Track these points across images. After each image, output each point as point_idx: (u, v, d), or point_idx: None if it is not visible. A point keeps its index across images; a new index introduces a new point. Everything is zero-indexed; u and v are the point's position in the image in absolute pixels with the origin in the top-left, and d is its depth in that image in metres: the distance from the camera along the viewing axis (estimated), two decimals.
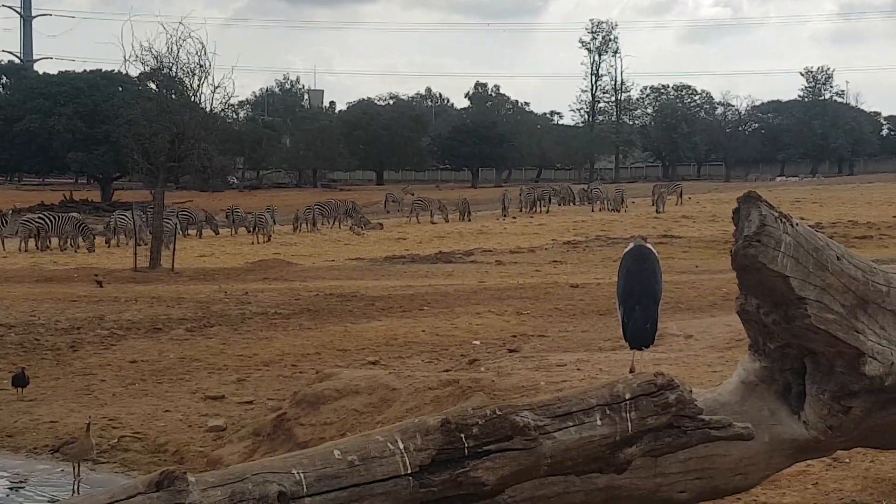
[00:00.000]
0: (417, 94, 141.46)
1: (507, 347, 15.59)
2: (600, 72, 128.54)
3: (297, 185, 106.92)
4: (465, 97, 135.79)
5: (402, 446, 4.85)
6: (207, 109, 36.56)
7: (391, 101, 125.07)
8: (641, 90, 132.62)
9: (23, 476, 11.97)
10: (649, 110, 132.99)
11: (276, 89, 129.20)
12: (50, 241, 43.58)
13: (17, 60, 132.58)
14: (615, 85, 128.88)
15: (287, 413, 11.41)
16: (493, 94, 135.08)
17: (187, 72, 35.11)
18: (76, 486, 11.17)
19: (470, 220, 56.03)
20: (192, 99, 35.68)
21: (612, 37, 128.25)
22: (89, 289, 26.29)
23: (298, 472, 4.73)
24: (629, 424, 5.03)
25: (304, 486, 4.72)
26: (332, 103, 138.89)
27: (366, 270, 32.07)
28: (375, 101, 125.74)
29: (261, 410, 12.94)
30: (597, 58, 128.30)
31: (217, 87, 35.62)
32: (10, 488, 11.69)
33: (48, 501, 10.29)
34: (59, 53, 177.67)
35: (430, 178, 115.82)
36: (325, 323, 19.45)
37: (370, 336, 17.58)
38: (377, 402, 11.12)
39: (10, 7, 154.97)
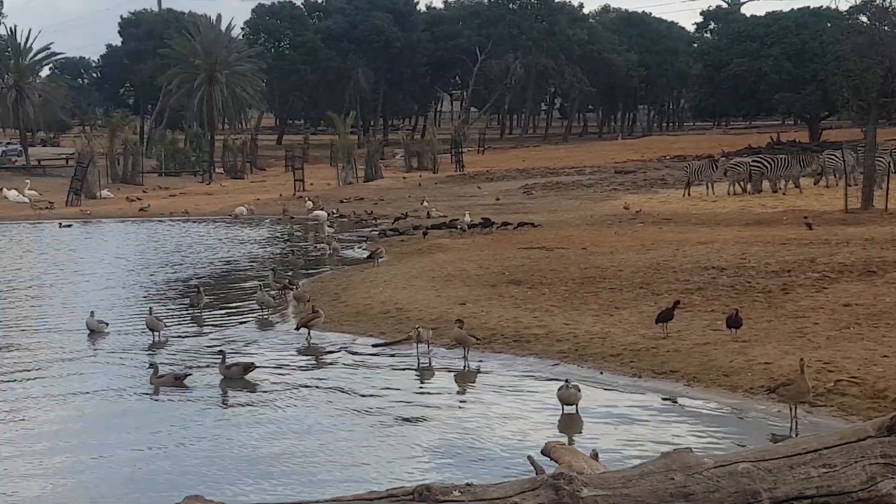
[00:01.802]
0: None
1: None
2: None
3: None
4: None
5: None
6: None
7: None
8: None
9: (740, 414, 12.42)
10: None
11: None
12: (762, 184, 44.13)
13: (724, 5, 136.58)
14: None
15: None
16: None
17: None
18: (793, 427, 11.35)
19: None
20: None
21: None
22: (799, 231, 26.42)
23: None
24: None
25: None
26: None
27: None
28: None
29: None
30: None
31: None
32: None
33: (768, 438, 10.59)
34: None
35: None
36: None
37: None
38: None
39: None
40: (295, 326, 18.57)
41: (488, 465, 10.89)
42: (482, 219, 34.95)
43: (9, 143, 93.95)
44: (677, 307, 16.17)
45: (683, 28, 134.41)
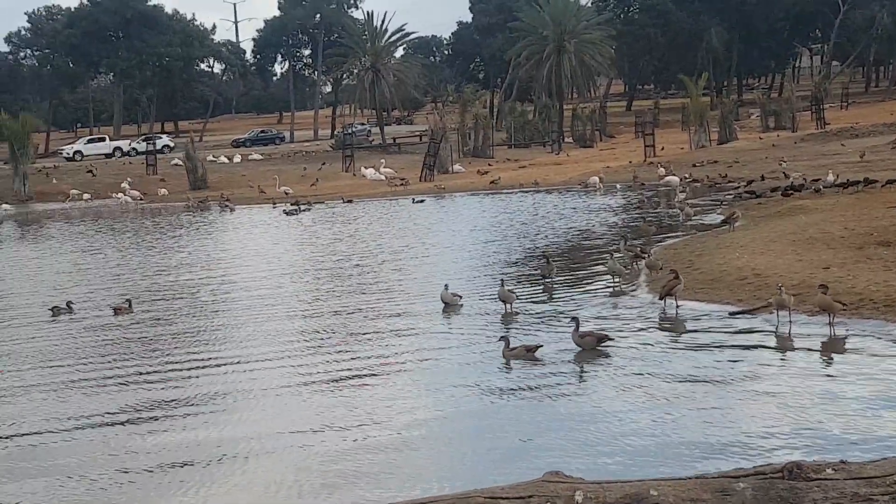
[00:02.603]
0: None
1: None
2: None
3: None
4: None
5: None
6: None
7: None
8: None
9: None
10: None
11: None
12: None
13: None
14: None
15: None
16: None
17: None
18: None
19: None
20: None
21: None
22: None
23: None
24: None
25: None
26: None
27: None
28: None
29: None
30: None
31: None
32: None
33: None
34: None
35: None
36: None
37: None
38: None
39: None
40: (658, 296, 18.17)
41: (860, 443, 10.21)
42: (864, 179, 33.04)
43: (361, 125, 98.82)
44: None
45: None
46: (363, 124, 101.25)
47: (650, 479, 7.11)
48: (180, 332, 19.03)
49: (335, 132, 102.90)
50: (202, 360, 16.42)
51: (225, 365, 15.93)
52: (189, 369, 15.81)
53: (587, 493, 6.88)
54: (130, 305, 21.38)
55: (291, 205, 46.71)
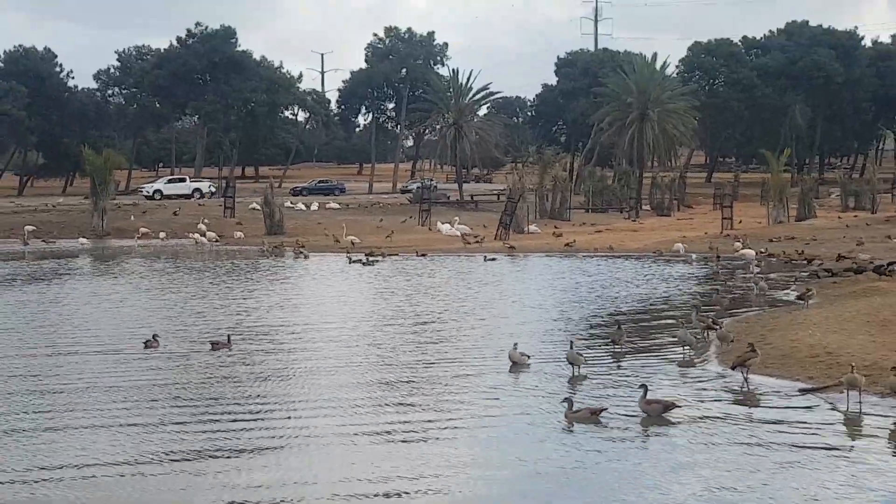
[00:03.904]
0: None
1: None
2: None
3: None
4: None
5: None
6: None
7: None
8: None
9: None
10: None
11: None
12: None
13: None
14: None
15: None
16: None
17: None
18: None
19: None
20: None
21: None
22: None
23: None
24: None
25: None
26: None
27: None
28: None
29: None
30: None
31: None
32: None
33: None
34: None
35: None
36: None
37: None
38: None
39: None
40: (731, 365, 18.25)
41: None
42: None
43: (430, 180, 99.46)
44: None
45: None
46: (431, 180, 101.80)
47: None
48: (272, 372, 19.40)
49: (406, 185, 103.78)
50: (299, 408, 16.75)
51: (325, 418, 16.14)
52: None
53: None
54: (229, 340, 21.89)
55: (367, 255, 47.12)
